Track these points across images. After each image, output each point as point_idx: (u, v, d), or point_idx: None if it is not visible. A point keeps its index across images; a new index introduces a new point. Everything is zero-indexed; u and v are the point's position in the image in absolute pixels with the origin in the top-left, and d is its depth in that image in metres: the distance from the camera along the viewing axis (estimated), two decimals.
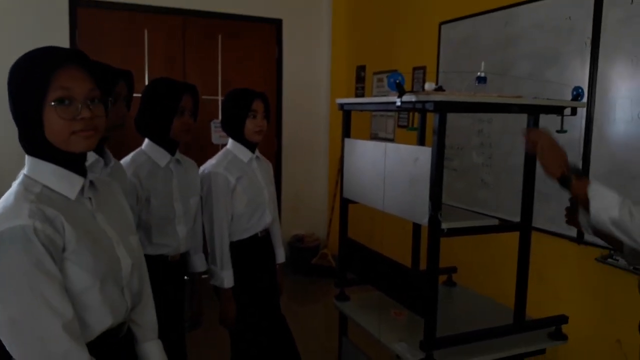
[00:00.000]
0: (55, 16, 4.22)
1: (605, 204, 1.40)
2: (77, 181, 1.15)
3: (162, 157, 2.00)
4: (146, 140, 2.03)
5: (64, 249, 1.07)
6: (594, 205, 1.41)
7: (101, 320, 1.16)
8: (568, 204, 1.73)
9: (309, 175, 5.34)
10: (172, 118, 1.96)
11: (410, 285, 1.76)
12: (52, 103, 1.07)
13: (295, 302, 4.28)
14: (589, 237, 2.36)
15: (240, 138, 2.29)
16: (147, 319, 1.35)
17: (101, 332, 1.16)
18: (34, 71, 1.07)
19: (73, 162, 1.15)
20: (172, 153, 2.03)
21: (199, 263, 2.25)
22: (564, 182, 1.50)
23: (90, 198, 1.19)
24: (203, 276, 2.27)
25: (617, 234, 1.39)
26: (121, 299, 1.22)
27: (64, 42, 4.22)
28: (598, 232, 1.60)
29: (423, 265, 1.73)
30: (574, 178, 1.49)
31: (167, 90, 1.97)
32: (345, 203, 2.20)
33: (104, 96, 1.47)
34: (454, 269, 2.42)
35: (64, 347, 1.02)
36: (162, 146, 2.01)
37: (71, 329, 1.05)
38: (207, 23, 4.74)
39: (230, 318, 2.25)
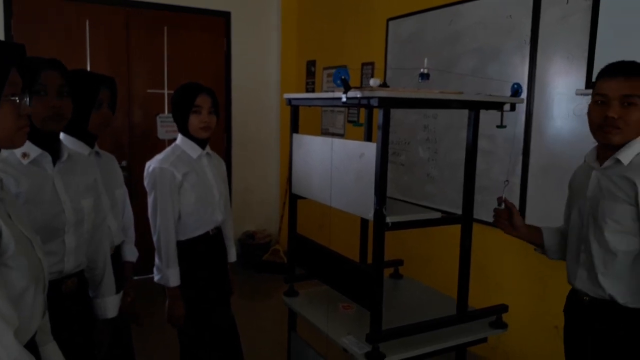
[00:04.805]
0: None
1: None
2: None
3: (81, 149, 1.91)
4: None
5: (0, 254, 1.01)
6: None
7: (33, 324, 1.12)
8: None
9: (260, 171, 5.29)
10: (89, 111, 1.90)
11: (357, 278, 1.78)
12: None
13: (246, 298, 4.25)
14: None
15: (187, 134, 2.24)
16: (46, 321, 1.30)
17: (31, 337, 1.11)
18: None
19: None
20: (91, 146, 1.96)
21: (129, 252, 2.23)
22: None
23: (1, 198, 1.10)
24: (150, 275, 2.22)
25: None
26: (44, 301, 1.18)
27: None
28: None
29: (371, 259, 1.75)
30: None
31: (84, 82, 1.89)
32: (294, 199, 2.19)
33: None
34: (400, 262, 2.46)
35: (14, 356, 0.96)
36: (80, 139, 1.93)
37: (18, 336, 0.99)
38: (152, 15, 4.60)
39: (177, 316, 2.20)
